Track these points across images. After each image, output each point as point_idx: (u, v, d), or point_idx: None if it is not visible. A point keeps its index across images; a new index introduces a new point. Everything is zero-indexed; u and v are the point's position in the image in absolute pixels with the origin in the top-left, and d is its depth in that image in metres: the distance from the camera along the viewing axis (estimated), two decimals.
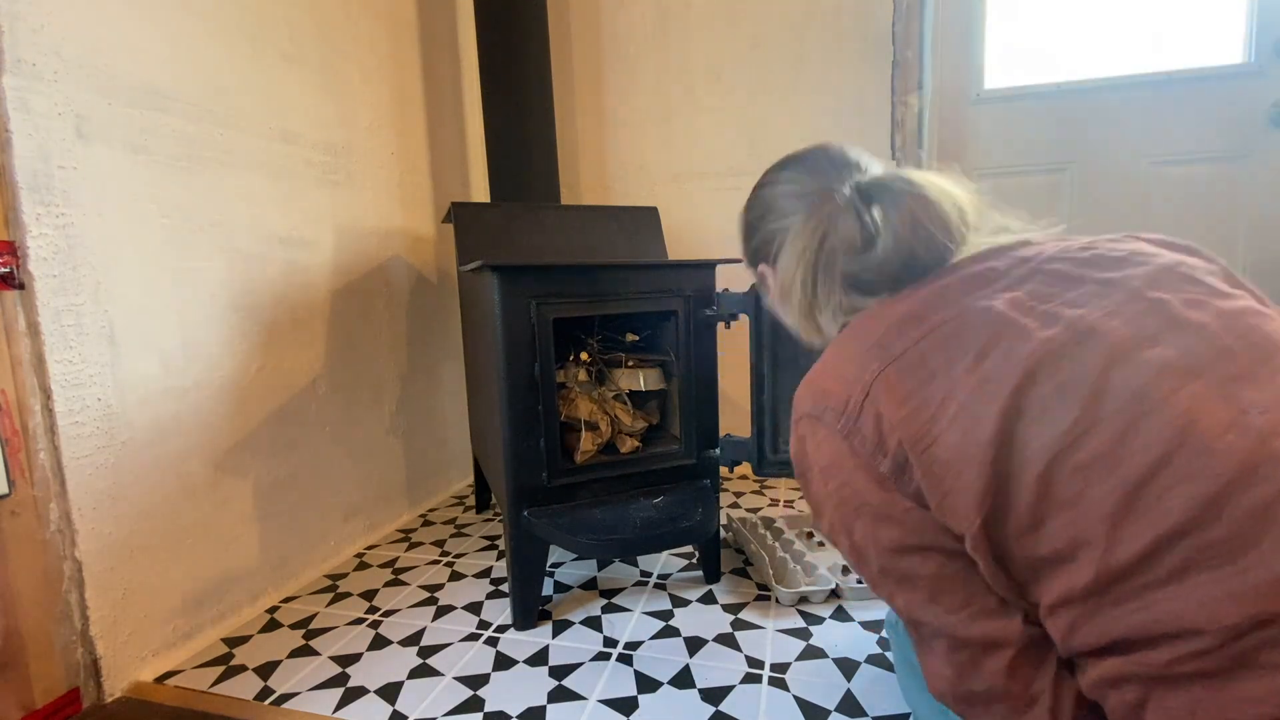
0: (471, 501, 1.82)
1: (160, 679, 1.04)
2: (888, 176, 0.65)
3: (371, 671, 1.04)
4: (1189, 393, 0.45)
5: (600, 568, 1.37)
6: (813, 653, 1.04)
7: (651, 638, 1.10)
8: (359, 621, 1.20)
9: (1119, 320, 0.50)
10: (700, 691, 0.96)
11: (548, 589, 1.28)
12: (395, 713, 0.94)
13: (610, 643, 1.09)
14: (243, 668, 1.07)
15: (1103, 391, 0.46)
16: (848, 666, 1.00)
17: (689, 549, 1.43)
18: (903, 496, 0.54)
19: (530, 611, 1.15)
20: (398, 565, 1.43)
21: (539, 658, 1.06)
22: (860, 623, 1.11)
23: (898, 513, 0.54)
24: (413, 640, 1.12)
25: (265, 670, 1.06)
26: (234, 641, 1.15)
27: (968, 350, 0.52)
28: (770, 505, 1.70)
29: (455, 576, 1.36)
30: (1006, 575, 0.51)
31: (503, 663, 1.05)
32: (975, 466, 0.48)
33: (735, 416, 1.91)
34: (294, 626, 1.19)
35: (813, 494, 0.62)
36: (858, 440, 0.55)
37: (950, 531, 0.53)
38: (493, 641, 1.11)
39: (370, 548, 1.54)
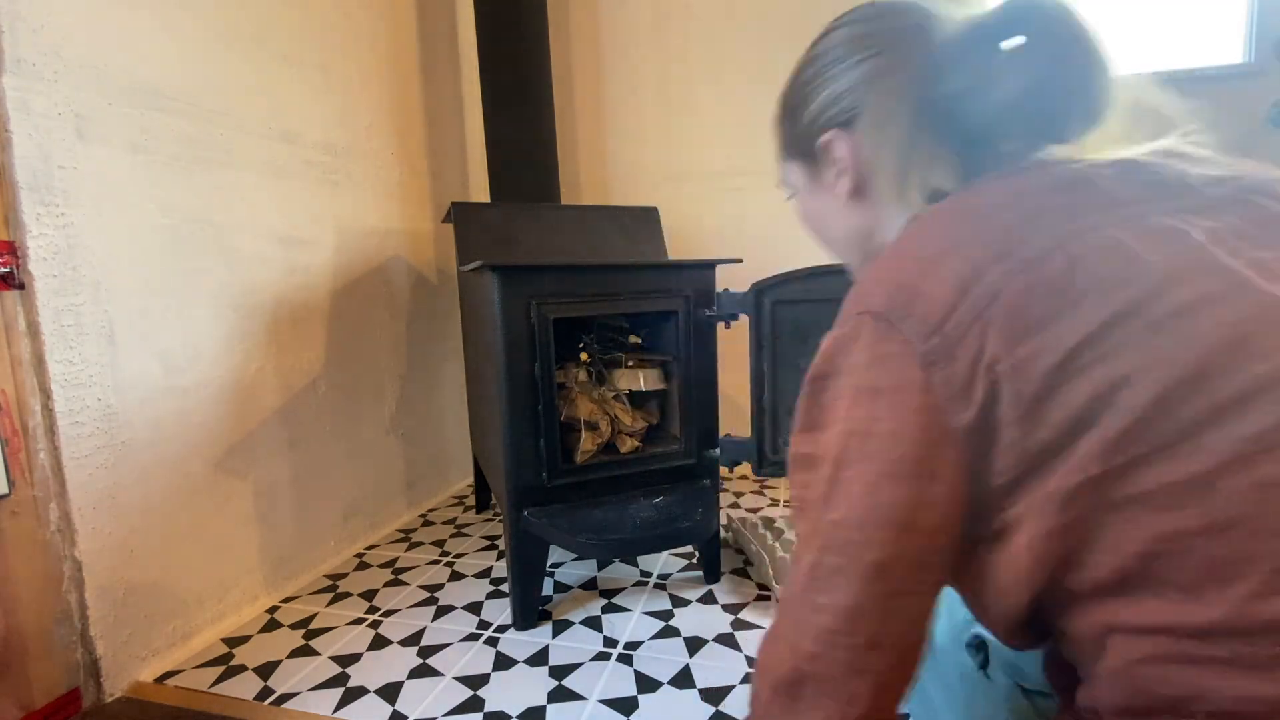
0: (471, 501, 1.82)
1: (160, 679, 1.04)
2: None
3: (371, 671, 1.04)
4: None
5: (600, 568, 1.37)
6: None
7: (651, 638, 1.10)
8: (359, 621, 1.20)
9: None
10: (700, 691, 0.96)
11: (548, 589, 1.28)
12: (395, 713, 0.94)
13: (610, 643, 1.09)
14: (243, 668, 1.07)
15: None
16: None
17: (689, 549, 1.43)
18: (960, 463, 0.37)
19: (530, 611, 1.15)
20: (398, 565, 1.43)
21: (539, 658, 1.06)
22: None
23: (942, 478, 0.37)
24: (413, 640, 1.12)
25: (265, 670, 1.06)
26: (234, 641, 1.15)
27: (1141, 278, 0.35)
28: (770, 505, 1.70)
29: (455, 576, 1.36)
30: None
31: (503, 663, 1.05)
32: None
33: (735, 416, 1.91)
34: (294, 626, 1.19)
35: (820, 410, 0.41)
36: (943, 376, 0.37)
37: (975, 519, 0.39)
38: (493, 641, 1.11)
39: (370, 548, 1.54)
